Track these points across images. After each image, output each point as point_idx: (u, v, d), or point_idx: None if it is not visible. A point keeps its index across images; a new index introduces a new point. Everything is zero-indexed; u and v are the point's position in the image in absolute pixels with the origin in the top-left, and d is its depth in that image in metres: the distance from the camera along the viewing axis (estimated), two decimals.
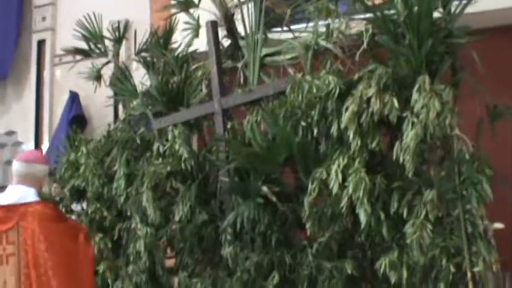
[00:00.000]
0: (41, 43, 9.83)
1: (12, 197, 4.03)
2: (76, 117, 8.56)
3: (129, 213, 4.80)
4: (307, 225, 3.75)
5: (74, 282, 4.02)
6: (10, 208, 3.99)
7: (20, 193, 4.04)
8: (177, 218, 4.41)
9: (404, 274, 3.38)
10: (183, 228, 4.40)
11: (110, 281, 4.82)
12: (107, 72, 5.91)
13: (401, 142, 3.37)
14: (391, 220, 3.48)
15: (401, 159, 3.36)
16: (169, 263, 4.73)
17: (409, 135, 3.31)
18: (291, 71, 4.30)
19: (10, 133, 10.01)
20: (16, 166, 4.14)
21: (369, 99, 3.51)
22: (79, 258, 4.08)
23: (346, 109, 3.57)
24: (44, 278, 3.90)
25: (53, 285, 3.89)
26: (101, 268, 4.85)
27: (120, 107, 6.28)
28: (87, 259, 4.13)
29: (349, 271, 3.63)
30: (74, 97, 8.76)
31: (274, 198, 3.97)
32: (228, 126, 4.36)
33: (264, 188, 3.98)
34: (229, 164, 4.16)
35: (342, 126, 3.59)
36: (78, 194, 5.29)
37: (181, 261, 4.54)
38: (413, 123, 3.32)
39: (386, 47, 3.62)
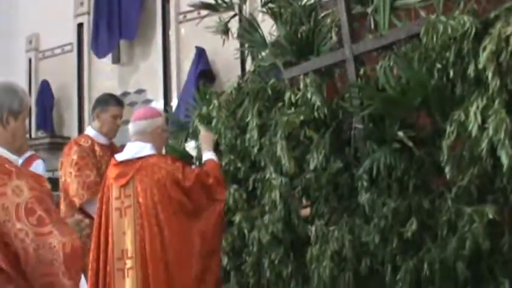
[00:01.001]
0: (165, 1, 10.12)
1: (129, 153, 4.29)
2: (203, 72, 8.82)
3: (263, 164, 4.90)
4: (446, 170, 3.76)
5: (186, 234, 4.24)
6: (126, 163, 4.27)
7: (136, 148, 4.30)
8: (311, 167, 4.49)
9: None
10: (318, 176, 4.48)
11: (246, 231, 4.92)
12: (233, 26, 6.04)
13: None
14: None
15: None
16: (305, 212, 4.82)
17: None
18: (422, 13, 4.28)
19: (140, 91, 10.42)
20: (130, 127, 4.43)
21: (507, 38, 3.46)
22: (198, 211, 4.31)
23: (484, 49, 3.54)
24: (156, 228, 4.14)
25: (165, 237, 4.12)
26: (237, 218, 4.97)
27: (248, 60, 6.39)
28: (214, 213, 4.41)
29: (490, 216, 3.60)
30: (200, 52, 9.02)
31: (410, 143, 3.99)
32: (361, 72, 4.38)
33: (400, 133, 4.01)
34: (363, 110, 4.21)
35: (480, 66, 3.57)
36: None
37: (317, 210, 4.63)
38: None
39: None
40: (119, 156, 4.34)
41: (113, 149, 5.17)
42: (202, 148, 4.91)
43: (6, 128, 2.60)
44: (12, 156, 2.58)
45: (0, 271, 2.35)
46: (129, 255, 4.14)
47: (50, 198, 2.57)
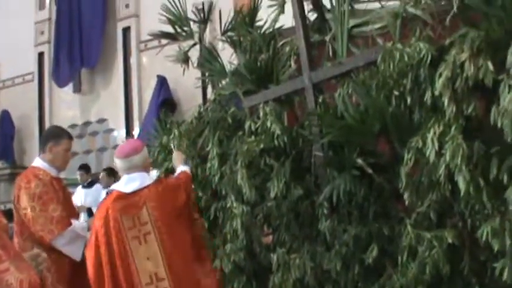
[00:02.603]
0: (126, 30, 10.15)
1: (134, 184, 4.43)
2: (165, 101, 8.86)
3: (224, 193, 4.90)
4: (405, 196, 3.78)
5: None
6: (134, 194, 4.38)
7: (139, 179, 4.45)
8: (272, 195, 4.49)
9: (508, 241, 3.37)
10: (279, 204, 4.49)
11: None
12: (193, 54, 6.06)
13: (499, 106, 3.35)
14: (491, 187, 3.46)
15: (499, 124, 3.34)
16: (267, 240, 4.83)
17: (507, 99, 3.29)
18: (379, 41, 4.35)
19: (101, 121, 10.41)
20: (118, 163, 4.59)
21: (462, 64, 3.51)
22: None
23: (440, 75, 3.58)
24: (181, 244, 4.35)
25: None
26: None
27: (209, 88, 6.42)
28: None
29: (449, 240, 3.63)
30: (162, 81, 9.06)
31: (370, 170, 4.03)
32: (320, 100, 4.41)
33: (359, 160, 4.05)
34: (322, 138, 4.24)
35: (436, 93, 3.61)
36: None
37: (279, 238, 4.62)
38: (510, 86, 3.30)
39: (477, 10, 3.60)
40: (125, 189, 4.42)
41: (60, 181, 5.16)
42: (175, 165, 5.08)
43: None
44: None
45: None
46: (160, 276, 4.21)
47: (6, 233, 2.54)
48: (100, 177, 9.18)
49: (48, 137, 5.15)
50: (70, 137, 5.19)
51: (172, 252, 4.29)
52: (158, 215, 4.31)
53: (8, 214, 4.84)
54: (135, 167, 4.49)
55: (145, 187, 4.43)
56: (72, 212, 5.10)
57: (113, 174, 9.35)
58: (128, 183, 4.44)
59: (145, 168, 4.59)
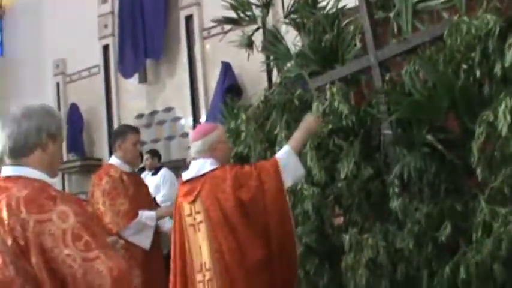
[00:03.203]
0: (188, 18, 10.24)
1: (192, 171, 4.41)
2: (230, 87, 8.91)
3: None
4: (477, 171, 3.74)
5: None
6: (192, 181, 4.38)
7: (197, 166, 4.40)
8: (342, 175, 4.51)
9: None
10: (349, 185, 4.50)
11: None
12: (257, 39, 6.10)
13: None
14: None
15: None
16: (338, 221, 4.85)
17: None
18: (445, 14, 4.30)
19: (168, 109, 10.54)
20: (191, 148, 4.58)
21: None
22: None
23: (509, 47, 3.54)
24: (231, 237, 4.20)
25: (241, 243, 4.19)
26: None
27: (274, 71, 6.45)
28: None
29: None
30: (226, 67, 9.11)
31: (440, 146, 4.01)
32: (386, 78, 4.41)
33: (429, 137, 4.03)
34: (391, 115, 4.23)
35: (506, 65, 3.57)
36: (242, 161, 5.44)
37: (350, 218, 4.65)
38: None
39: None
40: (185, 176, 4.47)
41: (135, 176, 5.52)
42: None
43: (46, 152, 2.62)
44: (50, 180, 2.62)
45: None
46: (207, 267, 4.24)
47: (94, 221, 2.61)
48: (144, 158, 9.09)
49: (116, 135, 5.52)
50: (135, 131, 5.44)
51: (215, 245, 4.20)
52: (210, 206, 4.24)
53: None
54: (199, 152, 4.46)
55: (202, 175, 4.36)
56: (145, 204, 5.31)
57: (157, 156, 9.44)
58: (189, 170, 4.46)
59: (212, 153, 4.43)
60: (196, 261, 4.29)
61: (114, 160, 5.37)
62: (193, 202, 4.31)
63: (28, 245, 2.36)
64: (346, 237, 4.49)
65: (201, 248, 4.26)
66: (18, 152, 2.59)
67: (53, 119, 2.67)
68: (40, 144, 2.61)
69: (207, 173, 4.35)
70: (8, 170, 2.59)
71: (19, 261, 2.36)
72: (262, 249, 4.22)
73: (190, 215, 4.33)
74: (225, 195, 4.23)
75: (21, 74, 13.27)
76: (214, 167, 4.37)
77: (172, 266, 4.48)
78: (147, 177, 8.67)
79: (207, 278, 4.24)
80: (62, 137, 2.74)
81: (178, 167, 9.77)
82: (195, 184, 4.35)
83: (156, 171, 9.12)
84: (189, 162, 4.61)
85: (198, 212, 4.29)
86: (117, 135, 5.47)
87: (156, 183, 8.72)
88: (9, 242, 2.37)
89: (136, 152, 5.39)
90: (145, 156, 9.11)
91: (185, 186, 4.43)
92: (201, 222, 4.28)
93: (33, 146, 2.60)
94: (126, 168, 5.30)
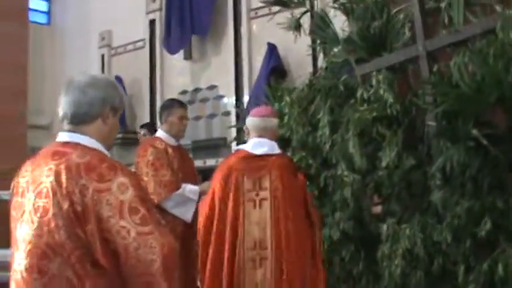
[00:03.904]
0: None
1: (262, 148, 4.41)
2: (275, 68, 8.89)
3: (334, 161, 4.95)
4: None
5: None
6: (261, 158, 4.37)
7: (268, 145, 4.42)
8: (384, 164, 4.51)
9: None
10: (390, 174, 4.50)
11: None
12: (305, 22, 6.09)
13: None
14: None
15: None
16: (376, 209, 4.86)
17: None
18: (498, 8, 4.25)
19: (211, 87, 10.57)
20: (255, 121, 4.51)
21: None
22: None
23: None
24: (291, 224, 4.25)
25: (293, 233, 4.24)
26: None
27: (320, 56, 6.43)
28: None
29: None
30: (272, 49, 9.09)
31: (485, 141, 3.98)
32: (434, 68, 4.38)
33: (474, 131, 4.00)
34: (436, 107, 4.20)
35: None
36: (283, 143, 5.45)
37: (389, 208, 4.65)
38: None
39: None
40: (254, 150, 4.42)
41: (180, 149, 5.50)
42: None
43: (106, 123, 2.64)
44: (106, 152, 2.66)
45: (95, 266, 2.40)
46: (264, 245, 4.24)
47: (148, 196, 2.65)
48: (141, 133, 9.01)
49: (162, 109, 5.55)
50: (182, 105, 5.48)
51: (281, 225, 4.23)
52: (279, 186, 4.28)
53: None
54: (270, 129, 4.47)
55: (273, 154, 4.41)
56: (190, 177, 5.36)
57: (154, 130, 9.36)
58: (257, 146, 4.43)
59: (273, 136, 4.50)
60: (248, 238, 4.27)
61: (159, 133, 5.44)
62: (260, 178, 4.34)
63: (85, 212, 2.38)
64: (384, 227, 4.53)
65: (258, 225, 4.26)
66: (80, 119, 2.60)
67: (117, 92, 2.69)
68: (102, 115, 2.63)
69: (276, 154, 4.39)
70: (66, 136, 2.60)
71: (72, 227, 2.38)
72: (310, 240, 4.30)
73: (252, 190, 4.31)
74: (296, 184, 4.32)
75: (67, 44, 13.43)
76: (280, 151, 4.44)
77: (214, 237, 4.37)
78: None
79: (261, 256, 4.24)
80: (121, 112, 2.76)
81: (219, 145, 9.83)
82: (265, 161, 4.35)
83: None
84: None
85: (264, 189, 4.29)
86: (164, 108, 5.53)
87: None
88: (65, 206, 2.38)
89: (181, 126, 5.42)
90: (140, 131, 9.06)
91: (252, 161, 4.39)
92: (264, 199, 4.28)
93: (96, 116, 2.61)
94: (172, 141, 5.35)
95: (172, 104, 5.52)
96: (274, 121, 4.53)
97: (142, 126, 9.26)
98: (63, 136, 2.61)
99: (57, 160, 2.46)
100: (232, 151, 4.61)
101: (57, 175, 2.42)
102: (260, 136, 4.44)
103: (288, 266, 4.19)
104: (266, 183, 4.28)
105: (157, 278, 2.41)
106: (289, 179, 4.32)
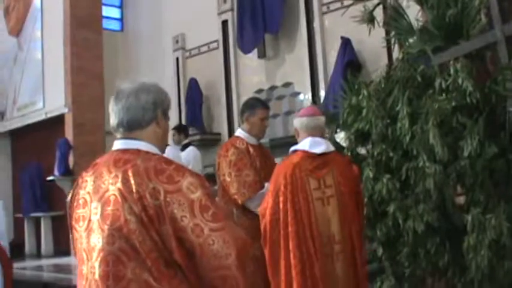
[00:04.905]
0: None
1: (321, 147, 4.52)
2: (350, 62, 8.91)
3: (415, 152, 4.91)
4: None
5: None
6: (321, 156, 4.48)
7: (325, 144, 4.54)
8: (465, 154, 4.48)
9: None
10: (472, 163, 4.46)
11: (400, 220, 4.95)
12: (377, 14, 6.08)
13: None
14: None
15: None
16: (459, 200, 4.81)
17: None
18: None
19: (287, 85, 10.66)
20: (306, 121, 4.63)
21: None
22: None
23: None
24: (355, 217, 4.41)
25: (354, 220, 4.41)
26: (391, 209, 5.01)
27: (394, 48, 6.42)
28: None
29: None
30: (346, 42, 9.12)
31: None
32: None
33: None
34: None
35: None
36: (363, 137, 5.52)
37: (473, 198, 4.59)
38: None
39: None
40: (313, 150, 4.52)
41: (261, 148, 5.53)
42: None
43: (160, 127, 2.73)
44: (164, 155, 2.75)
45: (169, 267, 2.49)
46: (337, 239, 4.35)
47: (214, 195, 2.75)
48: (171, 134, 9.18)
49: (244, 108, 5.55)
50: (265, 107, 5.51)
51: (347, 219, 4.36)
52: (342, 181, 4.39)
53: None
54: (320, 127, 4.60)
55: (332, 151, 4.52)
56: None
57: (183, 131, 9.57)
58: (314, 145, 4.52)
59: (323, 135, 4.64)
60: (323, 234, 4.35)
61: (239, 132, 5.48)
62: (324, 176, 4.42)
63: (158, 214, 2.47)
64: (469, 217, 4.48)
65: (330, 222, 4.35)
66: (135, 125, 2.68)
67: (166, 96, 2.79)
68: (156, 118, 2.72)
69: (332, 152, 4.52)
70: (123, 144, 2.68)
71: (146, 230, 2.47)
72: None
73: (318, 188, 4.40)
74: (352, 176, 4.45)
75: (140, 50, 13.74)
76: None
77: (292, 237, 4.39)
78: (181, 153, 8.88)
79: (336, 250, 4.33)
80: (169, 116, 2.87)
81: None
82: (325, 159, 4.46)
83: (183, 148, 9.28)
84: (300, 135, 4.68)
85: (329, 186, 4.39)
86: (246, 107, 5.52)
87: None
88: (138, 210, 2.47)
89: (262, 127, 5.44)
90: (172, 132, 9.25)
91: (314, 160, 4.48)
92: (331, 196, 4.38)
93: (150, 120, 2.70)
94: (253, 140, 5.39)
95: (255, 104, 5.54)
96: (322, 119, 4.64)
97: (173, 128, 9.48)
98: (120, 144, 2.70)
99: (121, 167, 2.56)
100: (289, 152, 4.68)
101: (125, 181, 2.52)
102: (312, 135, 4.56)
103: (362, 263, 4.35)
104: (330, 181, 4.39)
105: (233, 271, 2.50)
106: (348, 173, 4.48)
